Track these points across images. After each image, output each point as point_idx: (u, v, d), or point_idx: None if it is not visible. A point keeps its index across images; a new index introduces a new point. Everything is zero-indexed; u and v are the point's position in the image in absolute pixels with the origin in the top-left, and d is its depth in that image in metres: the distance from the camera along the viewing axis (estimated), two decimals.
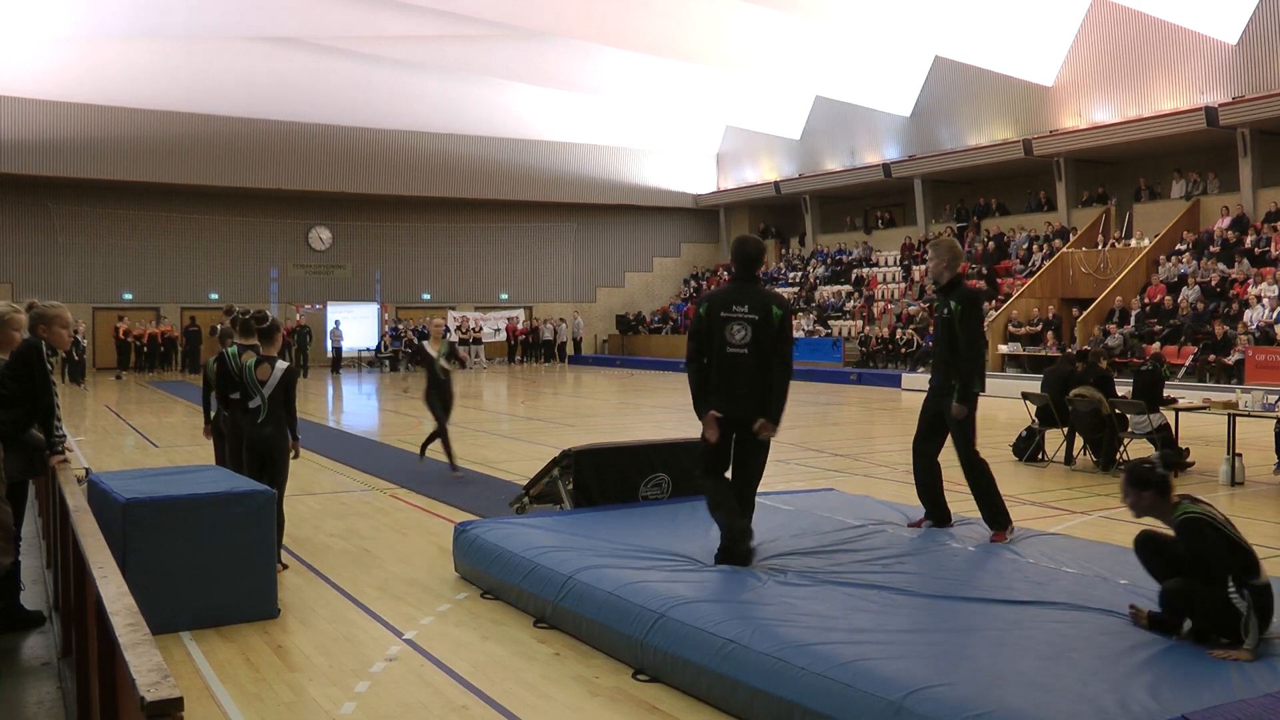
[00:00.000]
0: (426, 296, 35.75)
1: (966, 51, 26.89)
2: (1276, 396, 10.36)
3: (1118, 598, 5.05)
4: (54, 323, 5.70)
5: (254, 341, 7.22)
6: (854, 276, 32.00)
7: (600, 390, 24.75)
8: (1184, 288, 22.40)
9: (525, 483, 8.35)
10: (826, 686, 4.03)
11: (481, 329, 34.74)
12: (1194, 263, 22.95)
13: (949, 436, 6.71)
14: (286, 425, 6.98)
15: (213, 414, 8.09)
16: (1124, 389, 12.08)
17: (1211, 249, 23.01)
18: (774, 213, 38.10)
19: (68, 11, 25.07)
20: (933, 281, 6.85)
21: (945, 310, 6.61)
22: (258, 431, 6.91)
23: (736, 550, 5.75)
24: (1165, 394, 11.42)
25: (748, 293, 5.71)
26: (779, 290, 34.19)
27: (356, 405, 22.36)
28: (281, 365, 6.98)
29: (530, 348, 35.86)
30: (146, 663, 2.30)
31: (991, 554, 6.07)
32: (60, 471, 5.48)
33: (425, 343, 11.21)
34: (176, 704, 2.08)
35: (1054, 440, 12.02)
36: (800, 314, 31.59)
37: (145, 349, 30.44)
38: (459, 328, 34.33)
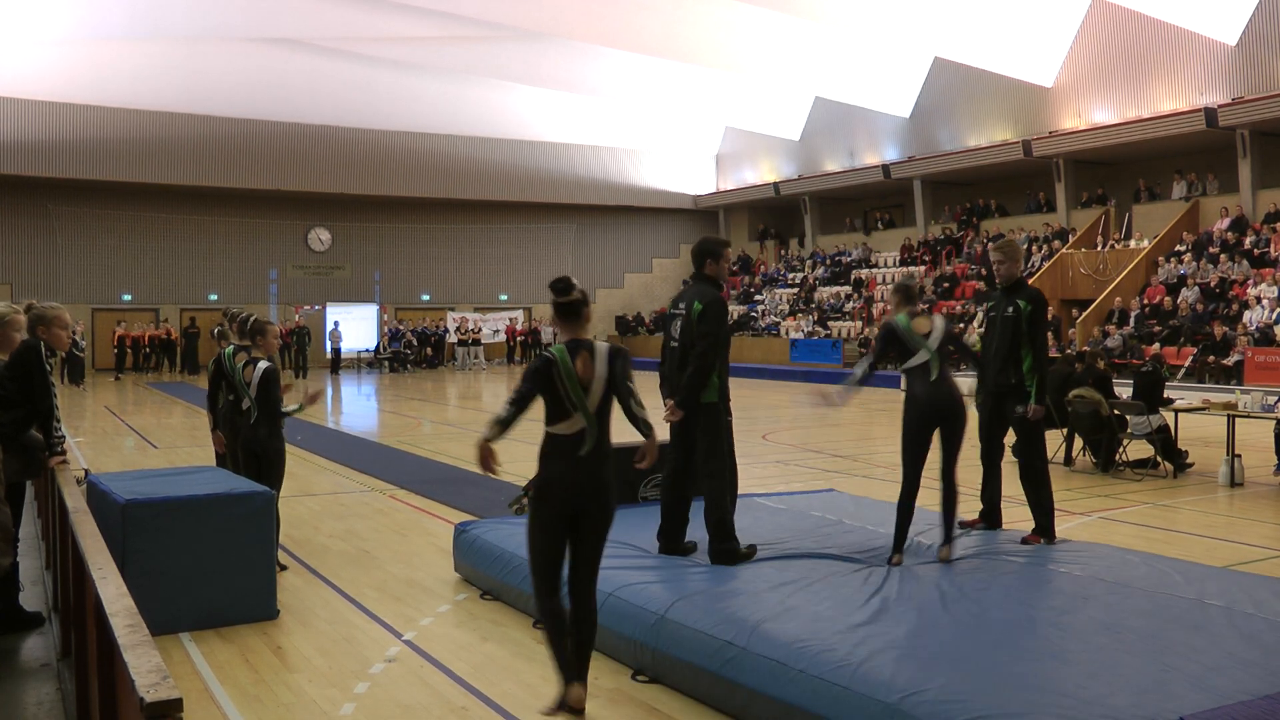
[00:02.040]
0: (426, 297, 35.74)
1: (966, 52, 26.89)
2: (1276, 397, 10.35)
3: (1116, 599, 5.06)
4: (53, 324, 5.70)
5: (248, 343, 7.24)
6: (853, 278, 32.00)
7: None
8: (1183, 289, 22.41)
9: (525, 483, 8.33)
10: (824, 688, 4.03)
11: (481, 330, 34.73)
12: (1194, 264, 22.96)
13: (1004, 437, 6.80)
14: (277, 423, 6.92)
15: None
16: (1125, 390, 12.08)
17: (1211, 250, 23.01)
18: (773, 214, 38.09)
19: (68, 12, 25.06)
20: (1003, 282, 6.79)
21: (1010, 309, 6.59)
22: (251, 432, 6.91)
23: (729, 549, 5.83)
24: (1165, 395, 11.41)
25: (688, 291, 6.14)
26: (783, 290, 34.27)
27: (355, 406, 22.37)
28: (263, 365, 6.95)
29: (530, 348, 35.84)
30: (146, 664, 2.30)
31: (989, 557, 6.07)
32: (59, 472, 5.48)
33: None
34: (176, 705, 2.08)
35: (1053, 441, 11.98)
36: (800, 315, 31.59)
37: (145, 350, 30.45)
38: (458, 329, 34.33)
